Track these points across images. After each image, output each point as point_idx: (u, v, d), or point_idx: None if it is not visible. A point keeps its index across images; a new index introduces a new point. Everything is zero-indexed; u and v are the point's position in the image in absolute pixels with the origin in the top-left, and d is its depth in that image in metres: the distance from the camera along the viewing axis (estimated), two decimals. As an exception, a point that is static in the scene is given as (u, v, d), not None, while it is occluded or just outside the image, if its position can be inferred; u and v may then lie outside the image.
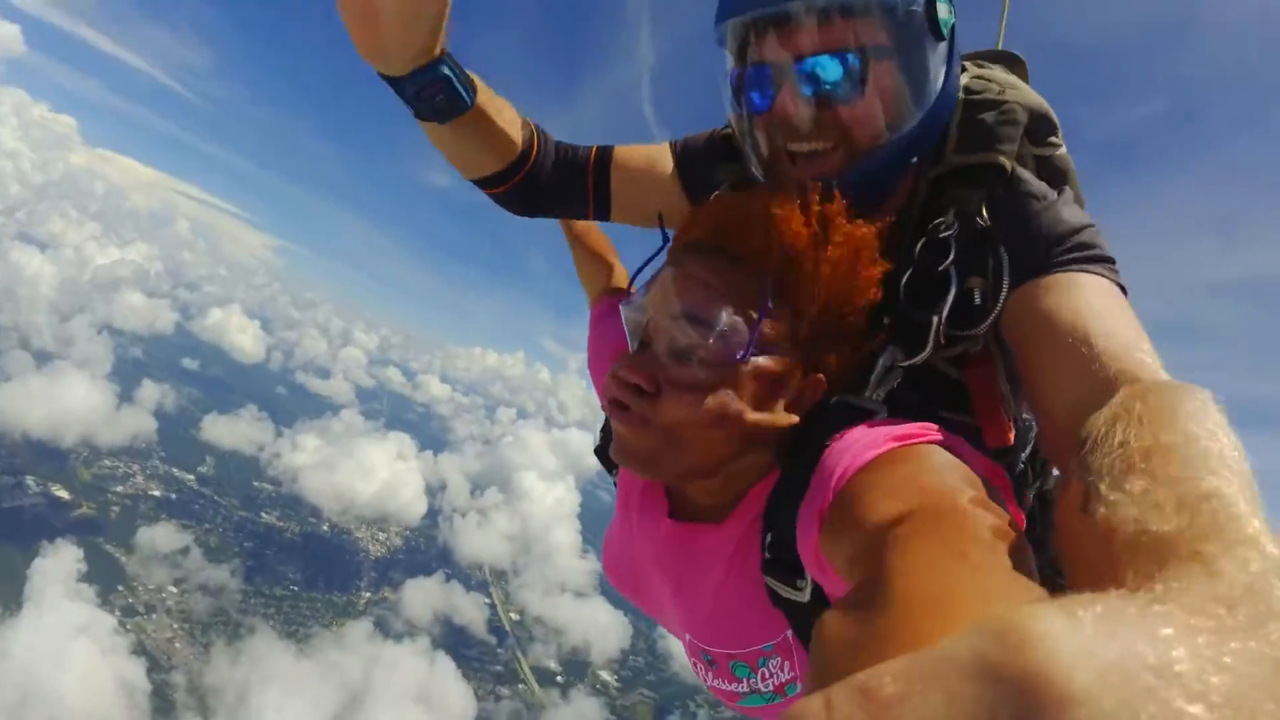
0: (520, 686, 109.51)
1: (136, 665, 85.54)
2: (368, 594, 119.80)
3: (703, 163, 1.61)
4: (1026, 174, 1.27)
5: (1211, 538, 0.49)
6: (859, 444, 0.93)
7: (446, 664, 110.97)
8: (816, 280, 1.04)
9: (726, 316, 1.02)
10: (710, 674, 1.33)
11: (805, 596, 1.02)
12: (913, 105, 1.23)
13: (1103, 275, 1.12)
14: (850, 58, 1.17)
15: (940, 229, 1.22)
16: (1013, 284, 1.16)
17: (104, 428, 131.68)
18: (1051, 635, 0.31)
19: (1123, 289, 1.12)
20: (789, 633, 1.17)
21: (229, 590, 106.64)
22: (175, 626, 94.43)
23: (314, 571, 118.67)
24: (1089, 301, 1.05)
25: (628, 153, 1.68)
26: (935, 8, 1.19)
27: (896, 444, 0.90)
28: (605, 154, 1.67)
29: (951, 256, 1.19)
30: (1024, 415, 1.36)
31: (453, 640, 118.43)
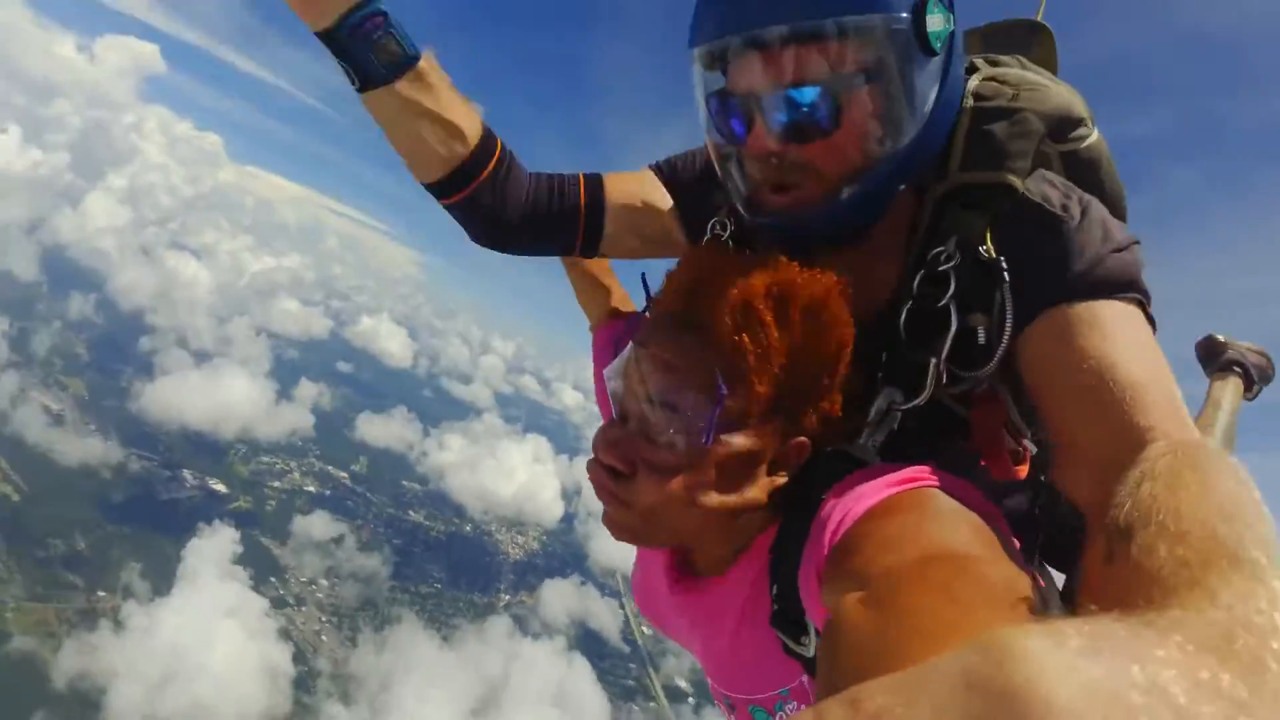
0: (651, 704, 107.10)
1: (283, 649, 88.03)
2: (506, 596, 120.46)
3: (698, 189, 1.54)
4: (1043, 188, 1.18)
5: (1216, 571, 0.50)
6: (852, 495, 0.93)
7: (583, 666, 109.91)
8: (774, 352, 1.03)
9: (689, 400, 1.03)
10: (731, 718, 1.36)
11: (809, 652, 1.03)
12: (899, 130, 1.15)
13: (1128, 304, 1.07)
14: (826, 88, 1.10)
15: (940, 260, 1.14)
16: (1028, 317, 1.09)
17: (263, 423, 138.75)
18: (1037, 651, 0.32)
19: (1151, 320, 1.08)
20: (804, 678, 1.17)
21: (379, 580, 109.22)
22: (324, 618, 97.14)
23: (457, 571, 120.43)
24: (1112, 342, 1.00)
25: (619, 188, 1.55)
26: (924, 22, 1.09)
27: (891, 490, 0.90)
28: (596, 191, 1.55)
29: (951, 290, 1.12)
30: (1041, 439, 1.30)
31: (588, 645, 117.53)
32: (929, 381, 1.10)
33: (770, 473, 1.10)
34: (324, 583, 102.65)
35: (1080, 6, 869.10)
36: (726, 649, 1.25)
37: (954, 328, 1.10)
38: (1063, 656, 0.32)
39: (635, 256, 1.64)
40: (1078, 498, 0.96)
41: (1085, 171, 1.32)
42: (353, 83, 1.30)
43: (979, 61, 1.38)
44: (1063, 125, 1.28)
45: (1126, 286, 1.07)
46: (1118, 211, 1.29)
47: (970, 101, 1.24)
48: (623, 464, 1.07)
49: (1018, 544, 0.94)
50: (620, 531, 1.12)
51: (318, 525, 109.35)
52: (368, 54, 1.26)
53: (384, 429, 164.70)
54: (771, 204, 1.21)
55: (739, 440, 1.06)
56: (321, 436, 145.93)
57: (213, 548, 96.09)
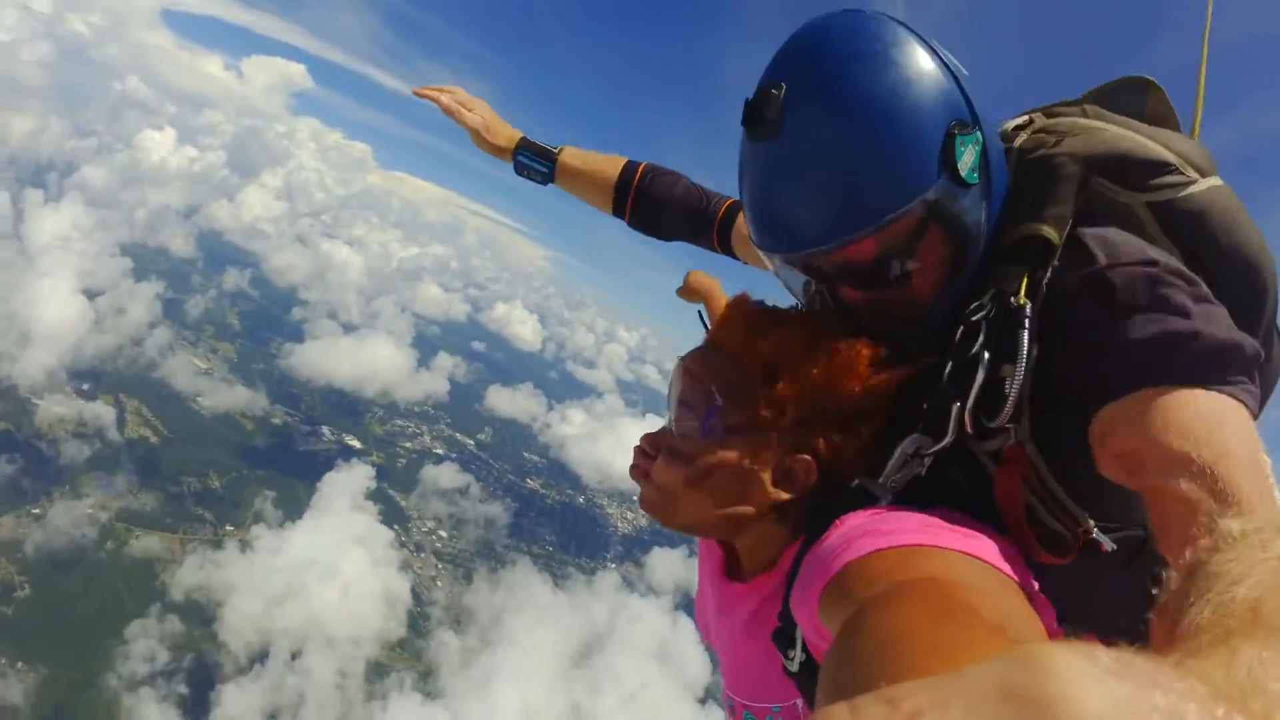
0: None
1: (402, 580, 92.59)
2: (613, 565, 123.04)
3: None
4: (1100, 239, 1.13)
5: (1246, 638, 0.50)
6: (858, 531, 0.97)
7: (687, 626, 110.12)
8: (768, 374, 1.17)
9: (698, 401, 1.21)
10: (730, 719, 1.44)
11: (794, 666, 1.09)
12: (965, 255, 1.20)
13: (1210, 390, 0.99)
14: (886, 259, 1.17)
15: (974, 312, 1.15)
16: (1096, 398, 1.06)
17: (402, 386, 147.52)
18: (1070, 666, 0.33)
19: (1240, 391, 1.00)
20: (799, 702, 1.21)
21: (498, 525, 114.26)
22: (443, 558, 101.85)
23: (567, 537, 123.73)
24: (1193, 430, 0.95)
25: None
26: (958, 173, 1.12)
27: (899, 544, 0.92)
28: (734, 210, 2.09)
29: (981, 340, 1.12)
30: (1092, 529, 1.17)
31: (692, 611, 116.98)
32: (950, 427, 1.11)
33: (774, 484, 1.19)
34: (446, 527, 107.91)
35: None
36: (734, 651, 1.34)
37: (980, 376, 1.10)
38: (1093, 673, 0.32)
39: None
40: (1165, 551, 0.95)
41: (1186, 225, 1.20)
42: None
43: (1036, 116, 1.38)
44: (1125, 168, 1.21)
45: (1203, 360, 1.00)
46: (1245, 276, 1.20)
47: (1015, 159, 1.26)
48: (651, 448, 1.28)
49: (1034, 585, 0.97)
50: (644, 505, 1.29)
51: (445, 475, 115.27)
52: (528, 176, 2.19)
53: (511, 401, 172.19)
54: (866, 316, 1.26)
55: (737, 440, 1.18)
56: (454, 404, 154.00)
57: (348, 481, 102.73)
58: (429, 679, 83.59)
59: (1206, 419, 0.96)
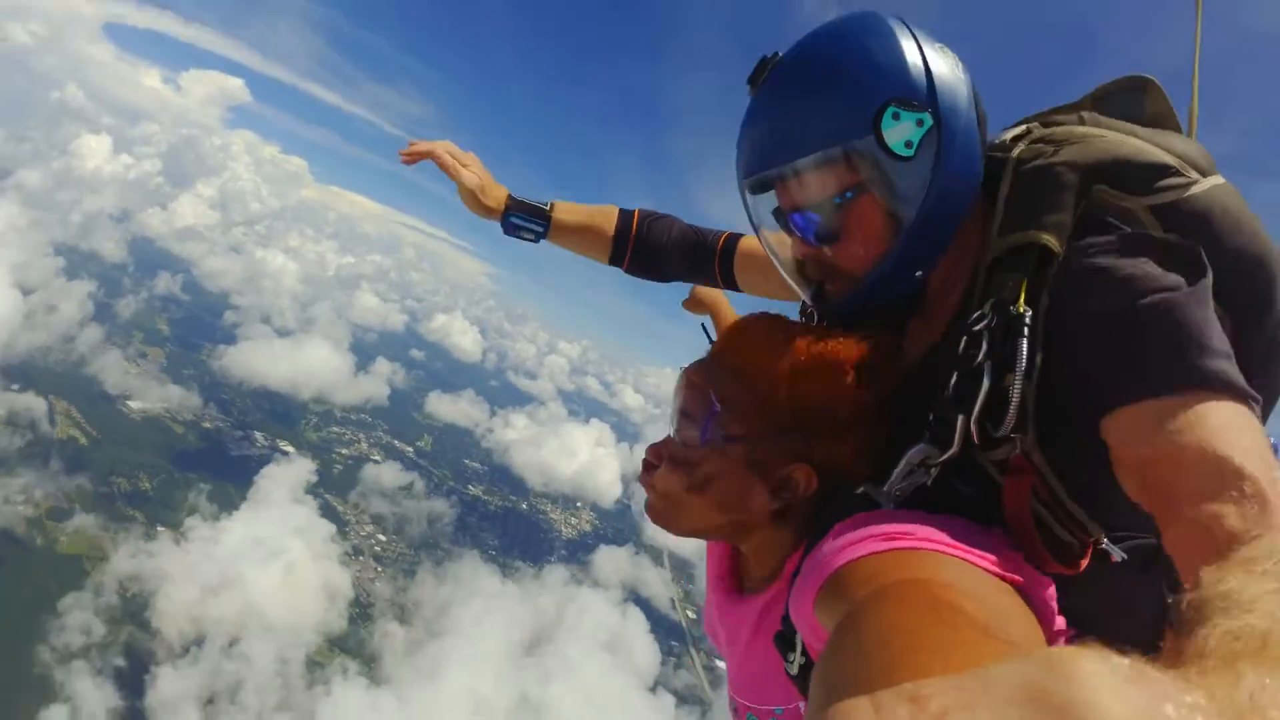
0: (692, 682, 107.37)
1: (343, 573, 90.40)
2: (560, 566, 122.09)
3: None
4: (1097, 247, 1.15)
5: (1253, 662, 0.51)
6: (855, 534, 0.98)
7: (637, 617, 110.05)
8: (768, 383, 1.22)
9: (698, 411, 1.26)
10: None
11: (794, 669, 1.11)
12: (894, 227, 1.26)
13: (1216, 398, 0.98)
14: (818, 208, 1.28)
15: (976, 321, 1.17)
16: (1101, 409, 1.06)
17: (340, 389, 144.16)
18: (1095, 672, 0.34)
19: (1243, 397, 1.00)
20: (802, 704, 1.23)
21: (443, 521, 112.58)
22: (381, 564, 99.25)
23: (510, 541, 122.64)
24: (1200, 441, 0.95)
25: (752, 242, 1.85)
26: (883, 137, 1.20)
27: (894, 547, 0.93)
28: (733, 241, 2.14)
29: (984, 350, 1.14)
30: (1102, 543, 1.17)
31: (641, 607, 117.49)
32: (955, 438, 1.13)
33: (773, 491, 1.22)
34: (389, 525, 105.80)
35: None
36: (741, 655, 1.37)
37: (985, 386, 1.11)
38: (1114, 681, 0.33)
39: (775, 297, 1.96)
40: (1178, 563, 0.95)
41: (1190, 226, 1.19)
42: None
43: (1033, 125, 1.42)
44: (1126, 173, 1.22)
45: (1205, 371, 1.00)
46: (1252, 273, 1.20)
47: (1012, 168, 1.29)
48: (653, 457, 1.32)
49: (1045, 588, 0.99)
50: (650, 512, 1.33)
51: (387, 474, 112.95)
52: (520, 236, 2.15)
53: (452, 407, 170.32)
54: (821, 296, 1.39)
55: (736, 449, 1.22)
56: (393, 410, 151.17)
57: (286, 475, 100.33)
58: (373, 666, 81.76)
59: (1213, 428, 0.95)
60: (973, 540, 0.97)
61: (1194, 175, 1.23)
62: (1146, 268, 1.08)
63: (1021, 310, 1.12)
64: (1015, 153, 1.32)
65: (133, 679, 65.55)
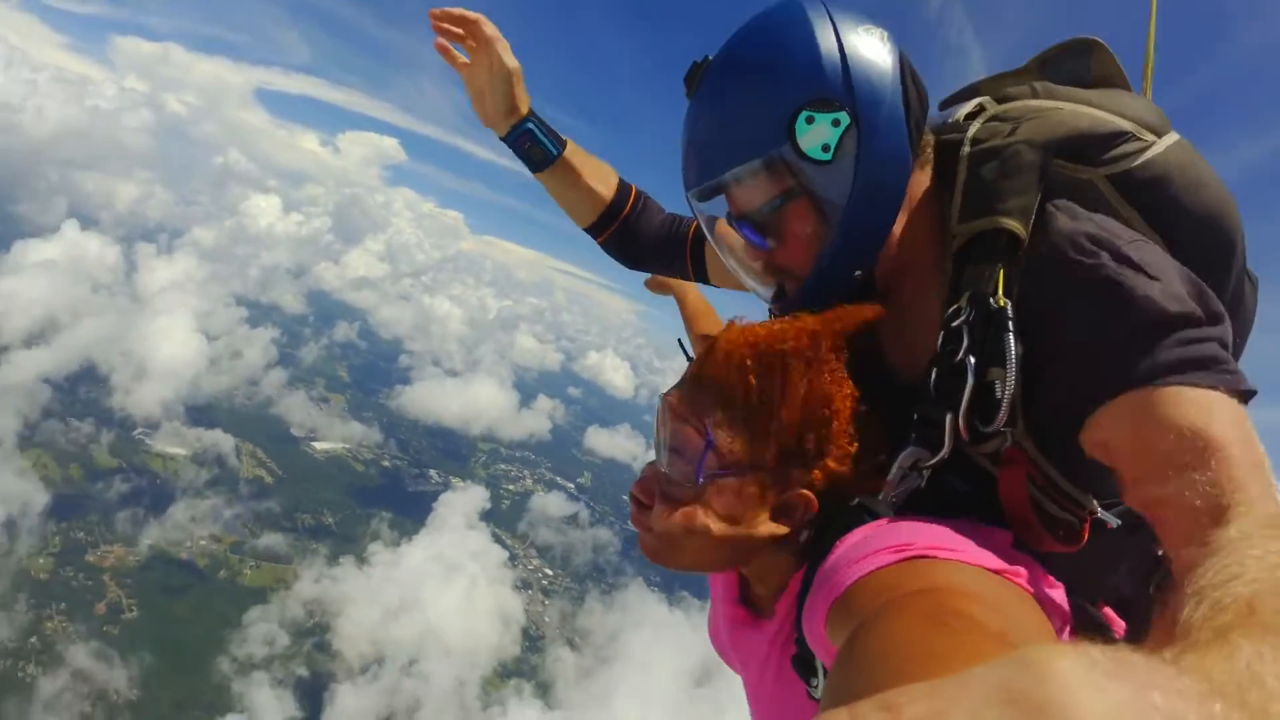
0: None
1: (516, 599, 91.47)
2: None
3: None
4: (1066, 225, 1.12)
5: (1244, 633, 0.50)
6: (858, 550, 0.97)
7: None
8: (759, 407, 1.16)
9: (688, 443, 1.17)
10: None
11: (818, 694, 1.09)
12: (827, 226, 1.25)
13: (1204, 389, 0.97)
14: (756, 215, 1.28)
15: (955, 316, 1.14)
16: (1089, 398, 1.04)
17: (507, 424, 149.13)
18: (1070, 670, 0.33)
19: (1239, 391, 0.98)
20: None
21: (609, 549, 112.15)
22: (551, 590, 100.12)
23: (672, 577, 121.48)
24: (1193, 432, 0.94)
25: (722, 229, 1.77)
26: (798, 143, 1.19)
27: (899, 559, 0.92)
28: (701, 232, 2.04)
29: (965, 345, 1.11)
30: (1099, 513, 1.17)
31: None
32: (946, 438, 1.11)
33: (773, 519, 1.18)
34: (557, 553, 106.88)
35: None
36: (755, 683, 1.33)
37: (970, 383, 1.09)
38: (1093, 677, 0.33)
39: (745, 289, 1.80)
40: (1167, 549, 0.96)
41: (1149, 193, 1.20)
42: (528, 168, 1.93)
43: (987, 102, 1.37)
44: (1084, 145, 1.21)
45: (1197, 359, 0.98)
46: (1211, 230, 1.20)
47: (967, 149, 1.25)
48: (644, 496, 1.23)
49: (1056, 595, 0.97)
50: (646, 552, 1.25)
51: (554, 504, 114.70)
52: (525, 155, 1.86)
53: (610, 441, 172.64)
54: (781, 296, 1.37)
55: (731, 483, 1.16)
56: (555, 444, 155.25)
57: (462, 501, 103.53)
58: (547, 692, 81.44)
59: (1197, 418, 0.95)
60: (976, 541, 0.97)
61: (1149, 138, 1.21)
62: (1115, 254, 1.06)
63: (1002, 304, 1.09)
64: (970, 133, 1.28)
65: (312, 694, 67.77)
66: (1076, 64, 1.40)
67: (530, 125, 1.84)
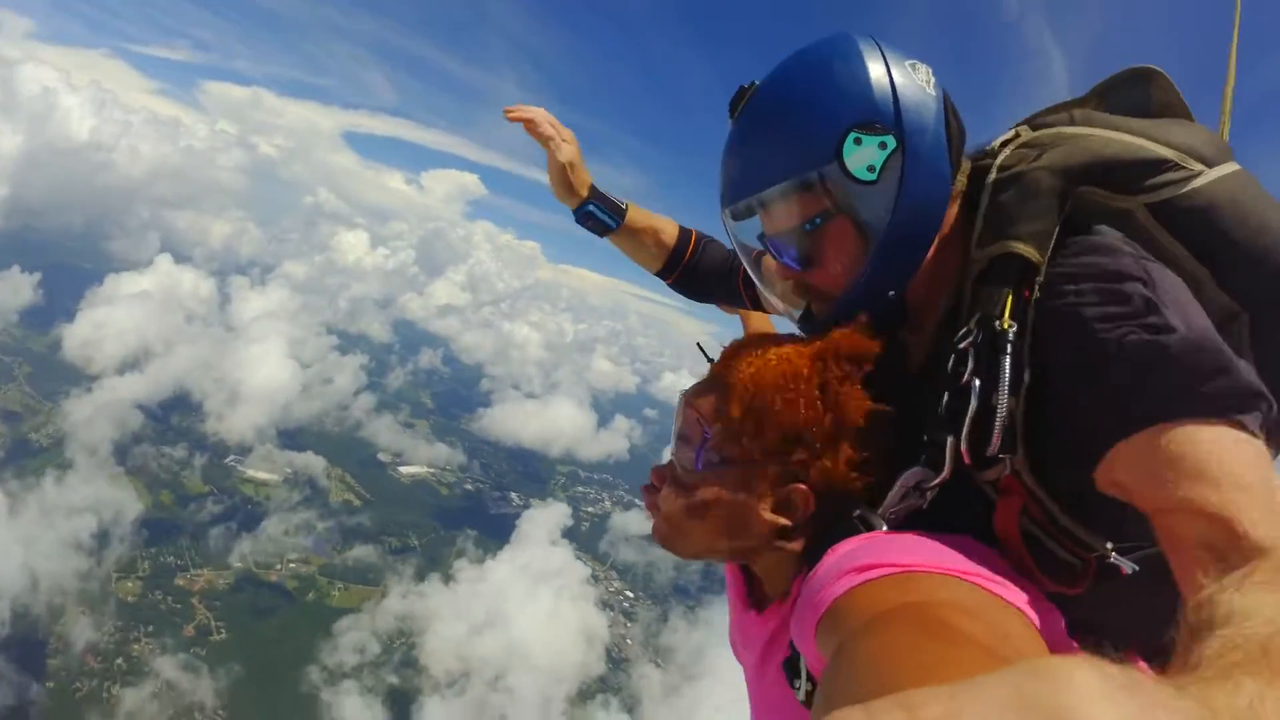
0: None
1: (599, 616, 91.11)
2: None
3: None
4: (1083, 255, 1.11)
5: (1251, 673, 0.52)
6: (848, 560, 0.97)
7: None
8: (754, 405, 1.20)
9: (694, 435, 1.26)
10: None
11: (800, 695, 1.09)
12: (863, 248, 1.26)
13: (1215, 424, 0.95)
14: (790, 235, 1.30)
15: (962, 339, 1.14)
16: (1101, 433, 1.02)
17: (585, 445, 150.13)
18: (1085, 680, 0.34)
19: (1248, 423, 0.96)
20: None
21: (690, 568, 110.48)
22: (634, 609, 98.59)
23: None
24: (1208, 469, 0.92)
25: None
26: (845, 164, 1.20)
27: (891, 573, 0.92)
28: None
29: (970, 368, 1.11)
30: (1105, 552, 1.13)
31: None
32: (947, 460, 1.11)
33: (772, 513, 1.20)
34: (639, 567, 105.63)
35: None
36: (752, 679, 1.35)
37: (973, 406, 1.09)
38: (1106, 689, 0.34)
39: None
40: (1180, 583, 0.94)
41: (1193, 224, 1.15)
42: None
43: (1021, 129, 1.38)
44: (1114, 172, 1.18)
45: (1213, 396, 0.96)
46: (1268, 264, 1.14)
47: (993, 175, 1.26)
48: (657, 480, 1.33)
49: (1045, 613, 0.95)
50: (655, 534, 1.33)
51: (634, 521, 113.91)
52: (589, 230, 2.15)
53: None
54: (808, 317, 1.38)
55: (732, 472, 1.22)
56: (633, 464, 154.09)
57: (545, 517, 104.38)
58: (633, 709, 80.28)
59: (1214, 456, 0.93)
60: (972, 560, 0.96)
61: (1196, 167, 1.17)
62: (1136, 284, 1.04)
63: (1006, 326, 1.09)
64: (999, 160, 1.28)
65: (400, 705, 68.08)
66: (1137, 93, 1.38)
67: (590, 207, 2.09)
